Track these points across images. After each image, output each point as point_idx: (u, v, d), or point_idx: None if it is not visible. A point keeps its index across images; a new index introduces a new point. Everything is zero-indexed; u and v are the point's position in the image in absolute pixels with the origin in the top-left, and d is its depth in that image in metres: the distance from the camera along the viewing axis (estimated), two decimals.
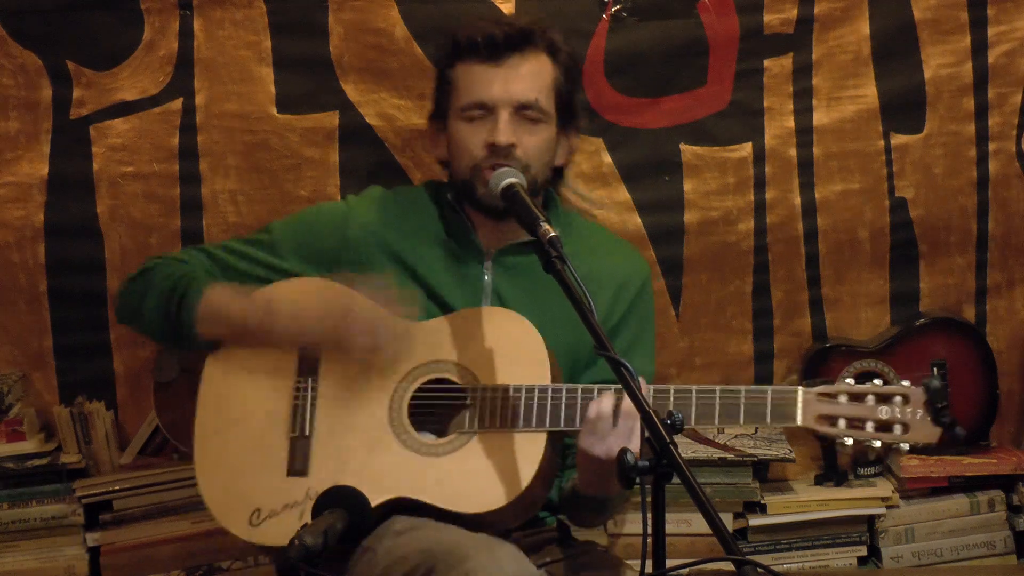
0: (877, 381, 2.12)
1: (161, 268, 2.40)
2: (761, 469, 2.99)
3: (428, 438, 2.23)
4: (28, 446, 2.90)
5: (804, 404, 2.12)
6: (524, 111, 2.34)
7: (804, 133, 3.02)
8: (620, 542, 2.89)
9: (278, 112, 2.93)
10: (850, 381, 2.13)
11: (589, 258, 2.37)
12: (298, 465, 2.26)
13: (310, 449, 2.26)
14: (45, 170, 2.93)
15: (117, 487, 2.91)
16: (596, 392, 2.17)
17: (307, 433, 2.27)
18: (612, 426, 2.09)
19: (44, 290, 2.97)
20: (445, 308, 2.36)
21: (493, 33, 2.35)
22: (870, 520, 2.99)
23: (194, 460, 2.34)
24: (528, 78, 2.34)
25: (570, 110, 2.44)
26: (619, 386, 2.10)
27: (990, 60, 3.03)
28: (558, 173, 2.53)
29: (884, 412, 2.08)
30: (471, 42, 2.37)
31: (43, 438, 2.95)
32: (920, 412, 2.07)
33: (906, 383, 2.09)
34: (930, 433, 2.07)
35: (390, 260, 2.39)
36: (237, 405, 2.33)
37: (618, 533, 2.89)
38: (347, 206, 2.49)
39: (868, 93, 3.02)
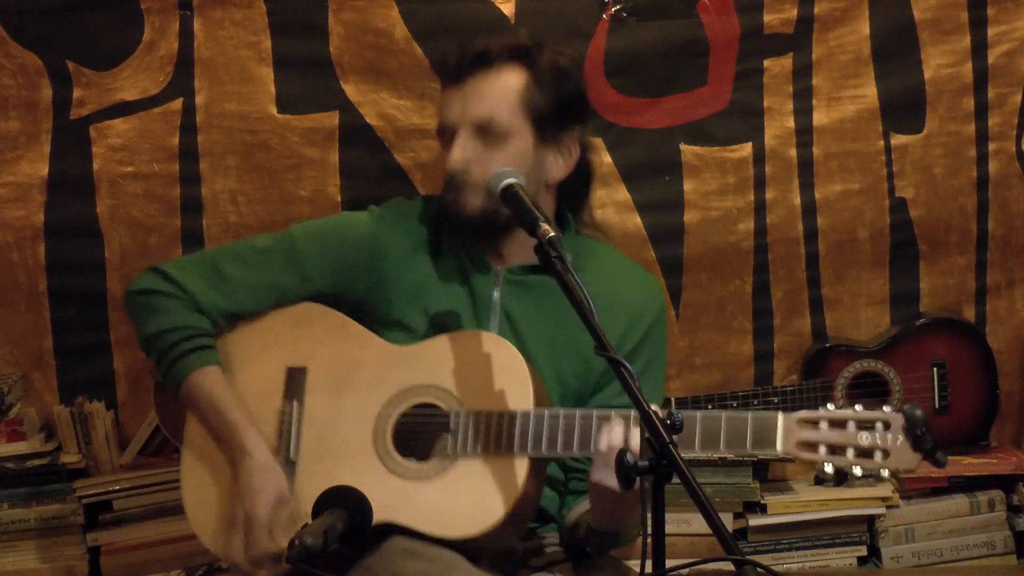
0: (859, 407, 2.11)
1: (165, 310, 2.32)
2: (761, 469, 2.99)
3: (412, 463, 2.22)
4: (28, 446, 2.90)
5: (784, 431, 2.10)
6: (483, 130, 2.28)
7: (804, 133, 3.03)
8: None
9: (278, 112, 2.93)
10: (831, 406, 2.12)
11: (605, 285, 2.33)
12: None
13: (295, 474, 2.26)
14: (45, 170, 2.93)
15: (117, 487, 2.92)
16: (577, 417, 2.15)
17: (292, 458, 2.27)
18: None
19: (44, 290, 2.97)
20: (455, 326, 2.34)
21: (456, 59, 2.31)
22: (870, 520, 3.00)
23: (181, 486, 2.34)
24: (485, 96, 2.27)
25: (555, 120, 2.32)
26: (624, 412, 2.08)
27: (990, 60, 3.03)
28: (571, 190, 2.43)
29: (865, 439, 2.06)
30: (436, 68, 2.35)
31: (43, 438, 2.95)
32: (900, 439, 2.05)
33: (888, 409, 2.08)
34: (910, 460, 2.05)
35: (404, 274, 2.37)
36: None
37: None
38: (371, 217, 2.45)
39: (868, 93, 3.02)
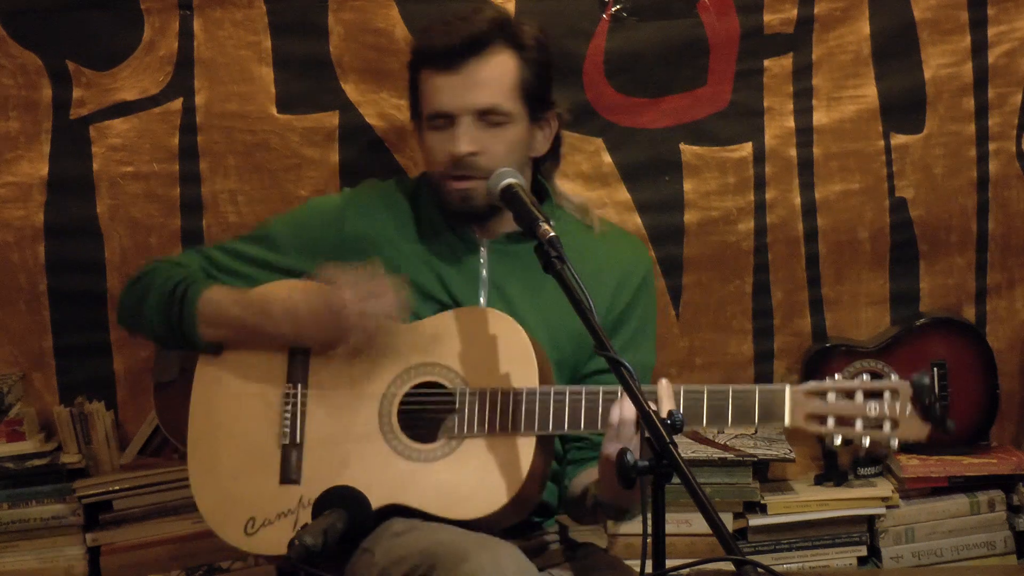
0: (866, 376, 2.11)
1: (160, 272, 2.40)
2: (761, 469, 2.99)
3: (418, 444, 2.23)
4: (28, 446, 2.90)
5: (792, 403, 2.09)
6: (486, 117, 2.30)
7: (804, 133, 3.02)
8: (620, 542, 2.89)
9: (278, 112, 2.93)
10: (838, 376, 2.11)
11: (589, 252, 2.34)
12: (291, 473, 2.26)
13: (302, 457, 2.26)
14: (45, 170, 2.93)
15: (117, 487, 2.91)
16: (584, 395, 2.15)
17: (298, 441, 2.27)
18: (636, 430, 2.04)
19: (44, 290, 2.97)
20: (443, 300, 2.35)
21: (448, 42, 2.31)
22: (870, 520, 2.99)
23: (188, 468, 2.34)
24: (487, 83, 2.29)
25: (542, 99, 2.37)
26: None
27: (990, 60, 3.03)
28: (547, 160, 2.47)
29: (873, 409, 2.06)
30: (428, 51, 2.34)
31: (43, 438, 2.94)
32: (909, 408, 2.05)
33: (895, 378, 2.07)
34: (919, 429, 2.04)
35: (386, 252, 2.37)
36: (228, 412, 2.33)
37: (618, 533, 2.89)
38: (343, 199, 2.48)
39: (868, 93, 3.02)
